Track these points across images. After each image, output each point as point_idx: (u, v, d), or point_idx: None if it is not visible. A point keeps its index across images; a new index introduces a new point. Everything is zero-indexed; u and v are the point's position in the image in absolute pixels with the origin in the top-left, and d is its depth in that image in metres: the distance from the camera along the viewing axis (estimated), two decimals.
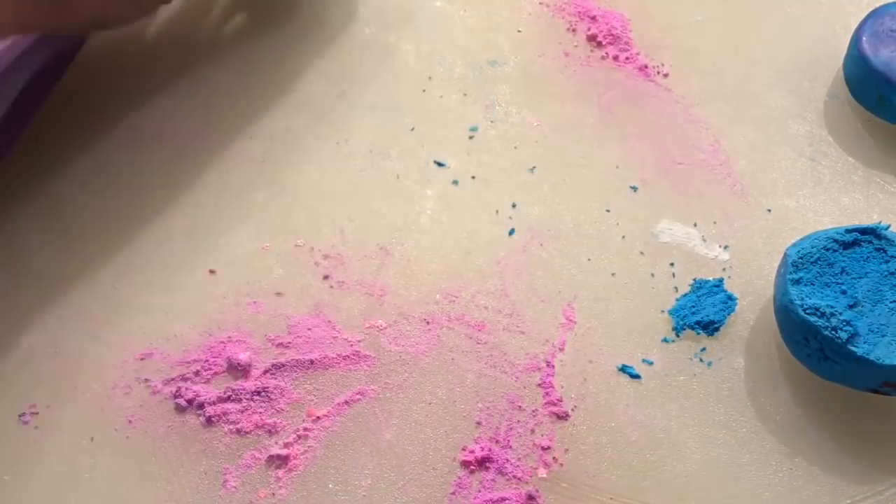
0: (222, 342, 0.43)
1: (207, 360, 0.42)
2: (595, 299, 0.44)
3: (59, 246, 0.46)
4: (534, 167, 0.49)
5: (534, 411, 0.41)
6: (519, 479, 0.39)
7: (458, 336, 0.43)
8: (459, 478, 0.40)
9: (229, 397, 0.41)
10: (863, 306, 0.40)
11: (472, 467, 0.40)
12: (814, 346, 0.40)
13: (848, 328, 0.39)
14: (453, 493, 0.39)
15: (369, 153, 0.49)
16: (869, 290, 0.40)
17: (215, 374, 0.42)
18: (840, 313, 0.39)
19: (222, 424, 0.41)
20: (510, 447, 0.40)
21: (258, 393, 0.41)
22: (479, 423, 0.41)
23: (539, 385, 0.42)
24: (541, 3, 0.56)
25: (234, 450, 0.40)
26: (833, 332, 0.39)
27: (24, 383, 0.42)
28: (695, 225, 0.47)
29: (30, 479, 0.39)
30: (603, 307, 0.44)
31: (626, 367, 0.42)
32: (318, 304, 0.44)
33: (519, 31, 0.54)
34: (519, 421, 0.41)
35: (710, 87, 0.52)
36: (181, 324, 0.44)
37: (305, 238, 0.46)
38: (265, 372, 0.42)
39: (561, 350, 0.43)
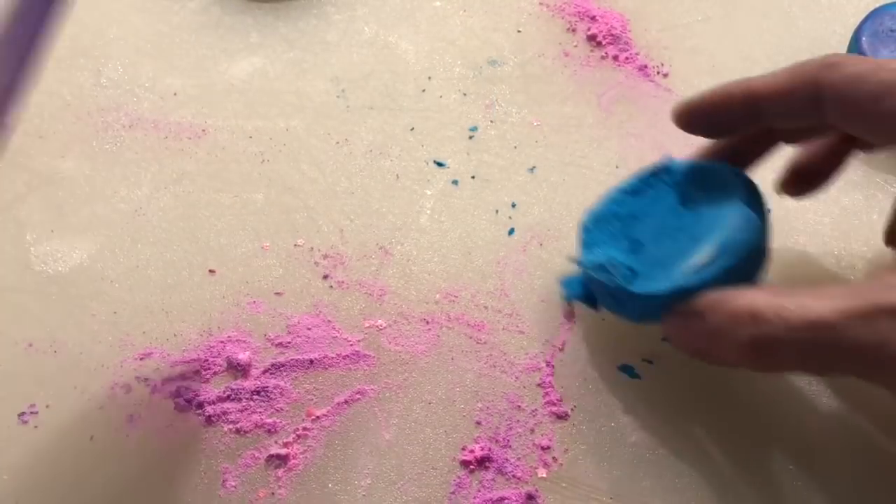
0: (222, 342, 0.43)
1: (207, 360, 0.42)
2: None
3: (59, 245, 0.46)
4: (534, 167, 0.49)
5: (533, 411, 0.41)
6: (519, 478, 0.39)
7: (458, 336, 0.43)
8: (459, 477, 0.40)
9: (229, 397, 0.41)
10: (645, 246, 0.40)
11: (471, 467, 0.40)
12: (606, 295, 0.40)
13: (627, 272, 0.39)
14: (453, 493, 0.39)
15: (369, 153, 0.49)
16: (653, 228, 0.40)
17: (215, 373, 0.42)
18: (619, 261, 0.40)
19: (222, 424, 0.41)
20: (510, 447, 0.40)
21: (258, 392, 0.41)
22: (478, 423, 0.41)
23: (539, 385, 0.42)
24: (541, 3, 0.56)
25: (234, 449, 0.40)
26: (613, 281, 0.39)
27: (23, 383, 0.42)
28: None
29: (29, 479, 0.39)
30: None
31: (626, 366, 0.42)
32: (317, 304, 0.44)
33: (519, 31, 0.54)
34: (519, 421, 0.41)
35: (710, 87, 0.52)
36: (181, 323, 0.44)
37: (305, 238, 0.46)
38: (265, 371, 0.42)
39: (561, 350, 0.43)
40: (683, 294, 0.37)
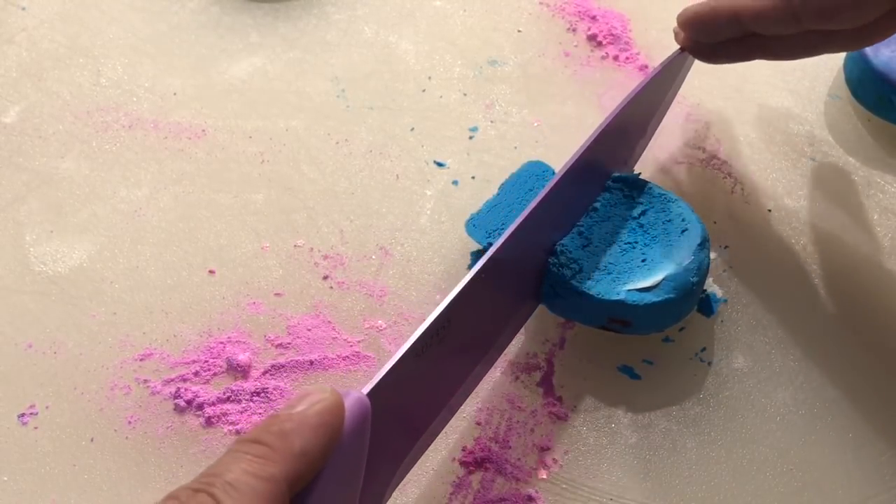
0: (222, 343, 0.43)
1: (207, 361, 0.42)
2: None
3: (58, 245, 0.46)
4: None
5: (533, 411, 0.41)
6: (518, 479, 0.39)
7: None
8: (459, 478, 0.39)
9: (229, 398, 0.41)
10: (596, 246, 0.42)
11: (471, 467, 0.40)
12: (546, 282, 0.41)
13: (574, 265, 0.41)
14: (453, 494, 0.39)
15: (369, 153, 0.49)
16: (607, 233, 0.42)
17: (215, 374, 0.42)
18: (570, 252, 0.41)
19: (222, 425, 0.41)
20: (510, 447, 0.40)
21: (258, 394, 0.41)
22: (478, 424, 0.41)
23: (539, 385, 0.42)
24: (541, 3, 0.56)
25: None
26: (559, 269, 0.41)
27: (23, 383, 0.42)
28: None
29: (29, 480, 0.39)
30: None
31: (626, 367, 0.42)
32: (317, 305, 0.44)
33: (519, 31, 0.54)
34: (518, 421, 0.41)
35: (710, 87, 0.52)
36: (181, 324, 0.44)
37: (305, 238, 0.46)
38: (265, 373, 0.42)
39: (561, 349, 0.43)
40: (620, 307, 0.40)
